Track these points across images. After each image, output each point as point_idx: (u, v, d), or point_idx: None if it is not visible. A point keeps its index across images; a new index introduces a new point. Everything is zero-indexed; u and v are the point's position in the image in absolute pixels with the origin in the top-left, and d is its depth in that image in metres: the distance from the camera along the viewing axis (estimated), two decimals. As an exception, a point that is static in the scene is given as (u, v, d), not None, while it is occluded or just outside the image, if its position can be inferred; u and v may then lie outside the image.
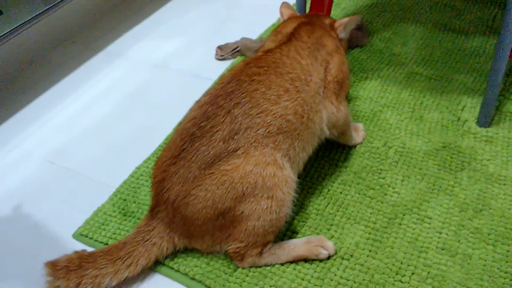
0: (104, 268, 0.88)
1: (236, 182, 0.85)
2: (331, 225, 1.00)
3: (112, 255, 0.89)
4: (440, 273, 0.90)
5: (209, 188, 0.86)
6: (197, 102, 0.96)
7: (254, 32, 1.61)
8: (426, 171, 1.09)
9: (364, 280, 0.90)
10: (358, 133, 1.17)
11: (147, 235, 0.92)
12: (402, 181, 1.07)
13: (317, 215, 1.02)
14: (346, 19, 1.10)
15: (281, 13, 1.16)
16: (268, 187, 0.87)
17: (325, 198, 1.05)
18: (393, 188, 1.06)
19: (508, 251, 0.92)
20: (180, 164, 0.88)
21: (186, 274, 0.93)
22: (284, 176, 0.89)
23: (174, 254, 0.96)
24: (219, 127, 0.88)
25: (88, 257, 0.89)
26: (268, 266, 0.93)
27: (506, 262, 0.90)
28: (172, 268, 0.95)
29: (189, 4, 1.85)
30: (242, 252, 0.92)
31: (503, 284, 0.87)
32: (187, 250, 0.96)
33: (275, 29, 1.10)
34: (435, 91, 1.29)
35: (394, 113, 1.24)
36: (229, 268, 0.94)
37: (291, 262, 0.94)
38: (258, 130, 0.88)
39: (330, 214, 1.02)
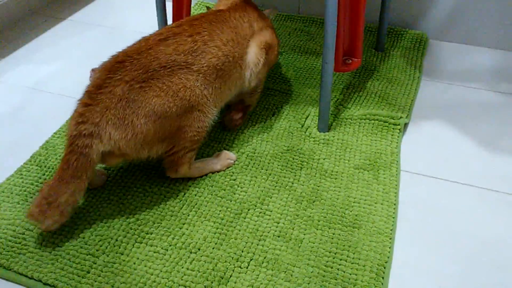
0: (70, 190, 1.00)
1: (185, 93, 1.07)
2: (184, 224, 1.09)
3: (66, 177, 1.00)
4: (274, 257, 1.01)
5: (160, 94, 1.04)
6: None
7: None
8: (271, 171, 1.22)
9: (208, 269, 0.99)
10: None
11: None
12: (250, 181, 1.19)
13: (171, 216, 1.10)
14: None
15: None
16: (198, 102, 1.10)
17: (180, 201, 1.14)
18: (242, 188, 1.17)
19: (333, 234, 1.06)
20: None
21: (39, 281, 0.97)
22: (210, 100, 1.14)
23: (28, 261, 0.99)
24: (181, 43, 1.10)
25: (51, 190, 0.99)
26: (195, 177, 1.20)
27: (331, 243, 1.04)
28: (26, 276, 0.98)
29: (68, 32, 1.90)
30: (177, 160, 1.14)
31: (327, 261, 1.00)
32: (41, 252, 1.00)
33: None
34: (286, 103, 1.45)
35: (249, 124, 1.38)
36: (82, 271, 0.99)
37: (207, 174, 1.21)
38: (210, 58, 1.12)
39: (183, 214, 1.11)
